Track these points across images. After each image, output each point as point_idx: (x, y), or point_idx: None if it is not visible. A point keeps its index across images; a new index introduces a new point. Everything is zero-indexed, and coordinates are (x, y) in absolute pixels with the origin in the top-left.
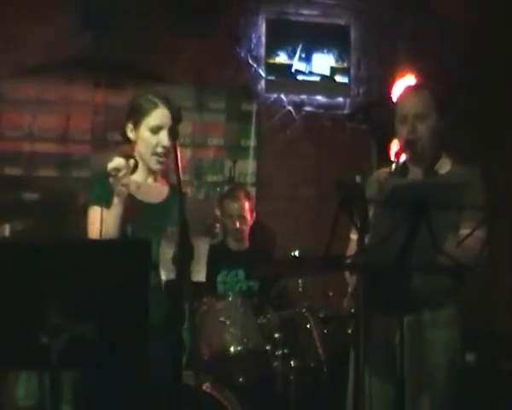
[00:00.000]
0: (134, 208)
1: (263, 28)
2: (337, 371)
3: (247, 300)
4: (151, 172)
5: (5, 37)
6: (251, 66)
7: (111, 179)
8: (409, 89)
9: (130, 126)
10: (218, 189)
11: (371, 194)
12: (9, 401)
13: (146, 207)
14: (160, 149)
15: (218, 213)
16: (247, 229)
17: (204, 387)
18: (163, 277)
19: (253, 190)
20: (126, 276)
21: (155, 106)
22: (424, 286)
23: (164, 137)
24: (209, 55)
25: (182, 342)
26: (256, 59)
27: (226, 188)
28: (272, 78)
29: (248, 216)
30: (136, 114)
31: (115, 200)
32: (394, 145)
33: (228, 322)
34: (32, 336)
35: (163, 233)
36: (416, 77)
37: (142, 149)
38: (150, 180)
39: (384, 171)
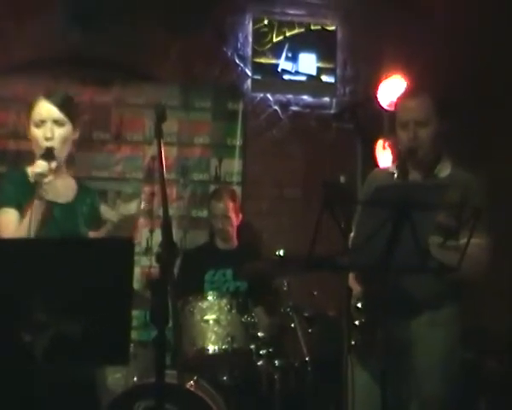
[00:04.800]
0: (43, 210)
1: (249, 27)
2: (321, 371)
3: (231, 299)
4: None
5: None
6: (237, 65)
7: (34, 184)
8: (408, 93)
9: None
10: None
11: (368, 193)
12: None
13: (55, 208)
14: (47, 143)
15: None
16: (232, 229)
17: (188, 386)
18: None
19: (238, 190)
20: (110, 274)
21: (37, 99)
22: (422, 287)
23: (47, 133)
24: (196, 54)
25: (165, 340)
26: (242, 58)
27: (212, 187)
28: (258, 77)
29: (233, 216)
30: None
31: (36, 203)
32: (379, 146)
33: (212, 321)
34: (15, 334)
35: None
36: (404, 78)
37: (32, 145)
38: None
39: (381, 170)
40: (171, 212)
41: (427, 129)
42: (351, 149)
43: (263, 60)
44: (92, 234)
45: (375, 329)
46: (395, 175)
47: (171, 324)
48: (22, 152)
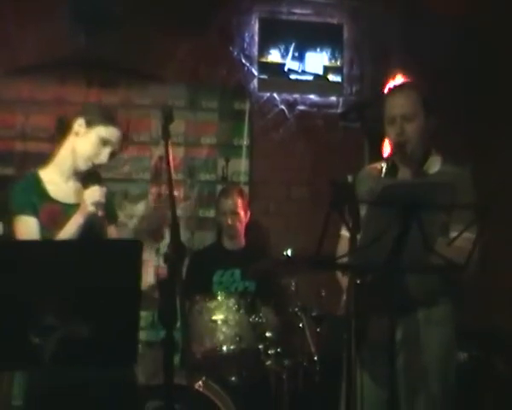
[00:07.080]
0: (59, 214)
1: (256, 27)
2: (330, 370)
3: (239, 299)
4: (76, 172)
5: None
6: (244, 65)
7: (90, 209)
8: (395, 89)
9: (80, 122)
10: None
11: (361, 192)
12: (4, 400)
13: (70, 210)
14: (96, 161)
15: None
16: (240, 226)
17: (197, 386)
18: None
19: (245, 189)
20: (118, 275)
21: (112, 123)
22: (417, 285)
23: (106, 154)
24: (202, 54)
25: (173, 341)
26: (249, 58)
27: (219, 187)
28: (265, 77)
29: (241, 213)
30: (94, 117)
31: (79, 218)
32: (386, 144)
33: (220, 321)
34: (24, 336)
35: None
36: (406, 76)
37: (82, 148)
38: (71, 181)
39: (374, 168)
40: (179, 212)
41: (413, 123)
42: (358, 148)
43: (269, 59)
44: (111, 228)
45: (366, 325)
46: (383, 171)
47: (179, 324)
48: (29, 153)
